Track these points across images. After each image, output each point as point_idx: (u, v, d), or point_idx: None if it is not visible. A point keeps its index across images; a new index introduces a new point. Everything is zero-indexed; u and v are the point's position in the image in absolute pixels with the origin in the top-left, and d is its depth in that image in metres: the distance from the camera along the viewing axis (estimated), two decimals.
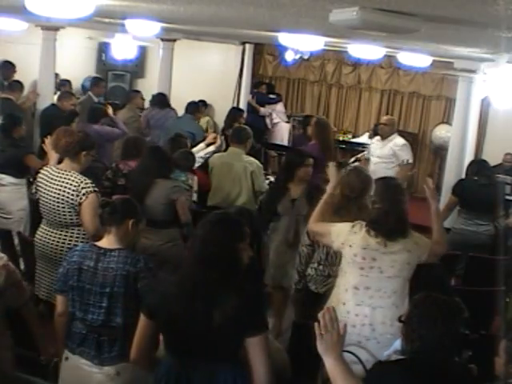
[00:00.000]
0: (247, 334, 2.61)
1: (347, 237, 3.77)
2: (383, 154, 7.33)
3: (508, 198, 6.97)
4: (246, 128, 6.49)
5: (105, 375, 3.16)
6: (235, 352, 2.67)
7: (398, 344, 3.00)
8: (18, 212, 5.85)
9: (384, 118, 7.96)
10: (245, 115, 9.05)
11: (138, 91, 9.10)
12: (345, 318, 3.66)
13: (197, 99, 10.51)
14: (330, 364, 2.41)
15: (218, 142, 7.25)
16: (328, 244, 4.02)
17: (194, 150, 6.96)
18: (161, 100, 8.86)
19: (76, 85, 10.81)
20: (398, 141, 7.43)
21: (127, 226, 3.32)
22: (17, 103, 7.60)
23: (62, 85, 9.62)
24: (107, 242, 3.31)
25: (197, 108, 8.57)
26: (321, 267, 4.49)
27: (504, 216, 6.27)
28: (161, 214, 4.87)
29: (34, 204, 5.09)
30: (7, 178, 5.86)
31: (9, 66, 8.63)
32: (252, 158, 6.22)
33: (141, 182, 5.02)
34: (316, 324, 2.44)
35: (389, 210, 3.68)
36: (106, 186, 5.51)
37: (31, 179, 5.89)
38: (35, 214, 5.11)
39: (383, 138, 7.42)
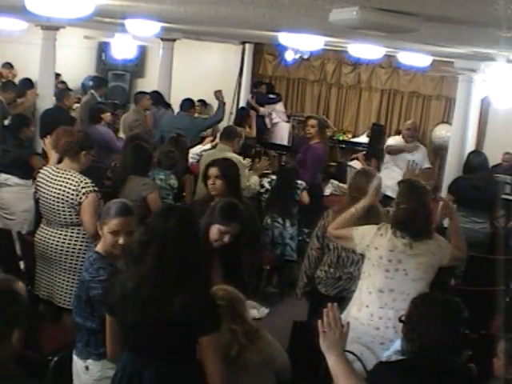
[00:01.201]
0: (198, 333, 2.59)
1: (373, 239, 3.76)
2: (418, 161, 7.13)
3: (508, 197, 6.96)
4: (236, 127, 6.63)
5: (80, 367, 3.23)
6: (187, 352, 2.65)
7: (398, 344, 3.00)
8: (21, 213, 5.79)
9: (408, 123, 7.70)
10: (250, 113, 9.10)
11: (145, 92, 9.01)
12: (368, 321, 3.67)
13: (197, 99, 10.55)
14: (332, 361, 2.42)
15: (217, 141, 7.28)
16: (350, 247, 4.02)
17: (192, 150, 6.99)
18: (159, 99, 8.85)
19: (76, 84, 10.82)
20: (423, 146, 7.36)
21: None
22: (4, 104, 7.52)
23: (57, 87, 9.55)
24: (99, 242, 3.32)
25: (191, 105, 8.56)
26: (331, 270, 4.46)
27: (505, 216, 6.27)
28: None
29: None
30: (13, 179, 5.81)
31: (8, 67, 8.64)
32: (235, 155, 6.19)
33: (118, 177, 5.05)
34: (319, 321, 2.45)
35: (416, 210, 3.68)
36: (106, 185, 5.52)
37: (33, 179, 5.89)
38: (39, 214, 5.10)
39: (411, 143, 7.24)
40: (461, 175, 6.65)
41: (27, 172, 5.90)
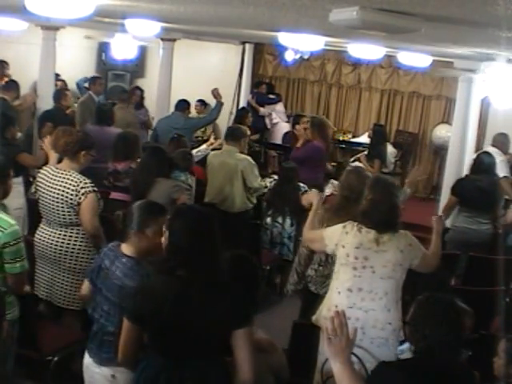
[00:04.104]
0: (234, 327, 2.64)
1: (340, 237, 3.77)
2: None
3: (506, 197, 6.94)
4: (241, 127, 6.55)
5: (102, 375, 3.14)
6: (223, 347, 2.69)
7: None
8: (14, 211, 5.67)
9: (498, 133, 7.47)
10: (250, 115, 9.08)
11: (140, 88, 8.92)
12: None
13: (197, 99, 10.55)
14: (337, 368, 2.39)
15: (217, 142, 7.28)
16: (322, 249, 4.02)
17: (195, 150, 6.99)
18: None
19: (75, 85, 10.79)
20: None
21: (144, 235, 3.11)
22: (11, 103, 7.51)
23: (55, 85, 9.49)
24: (126, 246, 3.17)
25: (186, 106, 8.55)
26: (321, 268, 4.48)
27: (504, 216, 6.27)
28: None
29: (33, 203, 5.07)
30: None
31: (3, 65, 8.61)
32: (243, 156, 6.24)
33: (142, 181, 5.03)
34: (325, 328, 2.43)
35: (380, 201, 3.70)
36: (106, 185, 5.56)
37: (31, 179, 5.87)
38: (34, 213, 5.09)
39: (505, 151, 7.15)
40: (463, 176, 6.64)
41: (16, 170, 5.85)
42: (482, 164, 6.31)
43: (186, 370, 2.69)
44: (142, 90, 9.88)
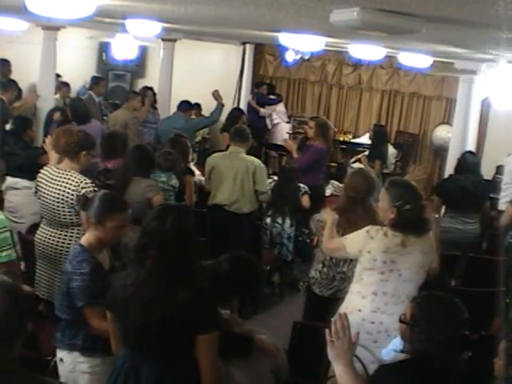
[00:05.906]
0: (196, 332, 2.59)
1: (363, 243, 3.71)
2: None
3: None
4: (247, 128, 6.48)
5: (58, 357, 3.34)
6: (185, 351, 2.64)
7: (397, 342, 2.94)
8: (30, 216, 5.60)
9: None
10: (244, 116, 9.07)
11: (138, 93, 8.89)
12: (359, 326, 3.54)
13: (197, 99, 10.54)
14: (339, 371, 2.38)
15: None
16: (345, 256, 3.99)
17: None
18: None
19: (77, 84, 10.79)
20: None
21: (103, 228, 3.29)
22: (6, 104, 7.32)
23: (58, 88, 9.47)
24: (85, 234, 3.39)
25: (189, 107, 8.53)
26: (325, 269, 4.43)
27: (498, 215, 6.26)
28: (137, 211, 4.78)
29: None
30: (22, 182, 5.69)
31: (5, 64, 8.58)
32: (253, 158, 6.20)
33: (120, 178, 5.05)
34: (327, 330, 2.42)
35: (413, 213, 3.63)
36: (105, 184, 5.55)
37: None
38: None
39: None
40: (447, 177, 6.62)
41: (37, 173, 5.81)
42: (466, 164, 6.31)
43: (143, 367, 2.68)
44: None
